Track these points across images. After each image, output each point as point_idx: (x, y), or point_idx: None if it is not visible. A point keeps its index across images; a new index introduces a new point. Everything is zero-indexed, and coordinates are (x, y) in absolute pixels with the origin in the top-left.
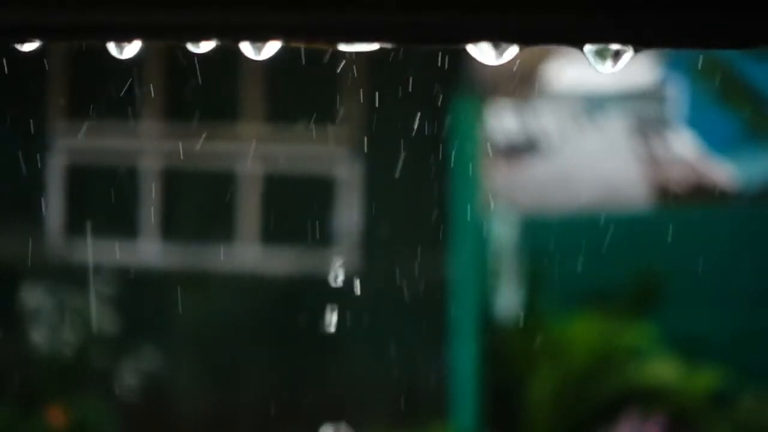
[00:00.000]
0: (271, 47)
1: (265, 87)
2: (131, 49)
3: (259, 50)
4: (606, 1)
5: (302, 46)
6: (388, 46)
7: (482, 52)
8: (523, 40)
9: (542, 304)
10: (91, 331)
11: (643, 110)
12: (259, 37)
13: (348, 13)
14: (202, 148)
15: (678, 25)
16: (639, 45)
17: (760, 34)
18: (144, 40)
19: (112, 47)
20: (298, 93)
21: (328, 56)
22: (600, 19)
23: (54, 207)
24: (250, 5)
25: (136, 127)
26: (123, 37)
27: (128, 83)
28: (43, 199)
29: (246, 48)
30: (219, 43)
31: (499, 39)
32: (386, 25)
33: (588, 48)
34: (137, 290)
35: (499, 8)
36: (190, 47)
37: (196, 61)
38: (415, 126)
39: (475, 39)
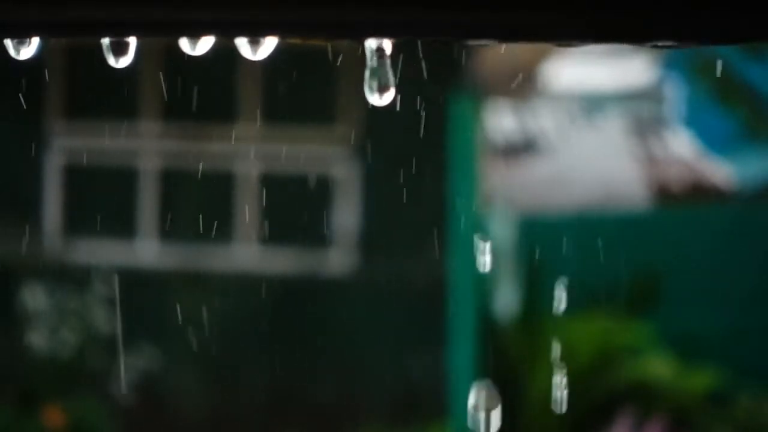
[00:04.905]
0: (268, 47)
1: (263, 87)
2: (127, 58)
3: (255, 50)
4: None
5: (300, 42)
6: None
7: (243, 47)
8: (516, 38)
9: (540, 303)
10: (89, 332)
11: (641, 110)
12: (256, 33)
13: (345, 10)
14: (200, 148)
15: (673, 22)
16: (637, 42)
17: (756, 30)
18: (141, 37)
19: (109, 57)
20: (296, 93)
21: (326, 55)
22: (595, 17)
23: (52, 207)
24: (248, 1)
25: (135, 128)
26: (120, 33)
27: (127, 83)
28: (41, 199)
29: (243, 48)
30: (216, 39)
31: (493, 37)
32: (382, 22)
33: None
34: (135, 290)
35: (493, 6)
36: (186, 50)
37: (194, 62)
38: (413, 126)
39: (471, 37)
